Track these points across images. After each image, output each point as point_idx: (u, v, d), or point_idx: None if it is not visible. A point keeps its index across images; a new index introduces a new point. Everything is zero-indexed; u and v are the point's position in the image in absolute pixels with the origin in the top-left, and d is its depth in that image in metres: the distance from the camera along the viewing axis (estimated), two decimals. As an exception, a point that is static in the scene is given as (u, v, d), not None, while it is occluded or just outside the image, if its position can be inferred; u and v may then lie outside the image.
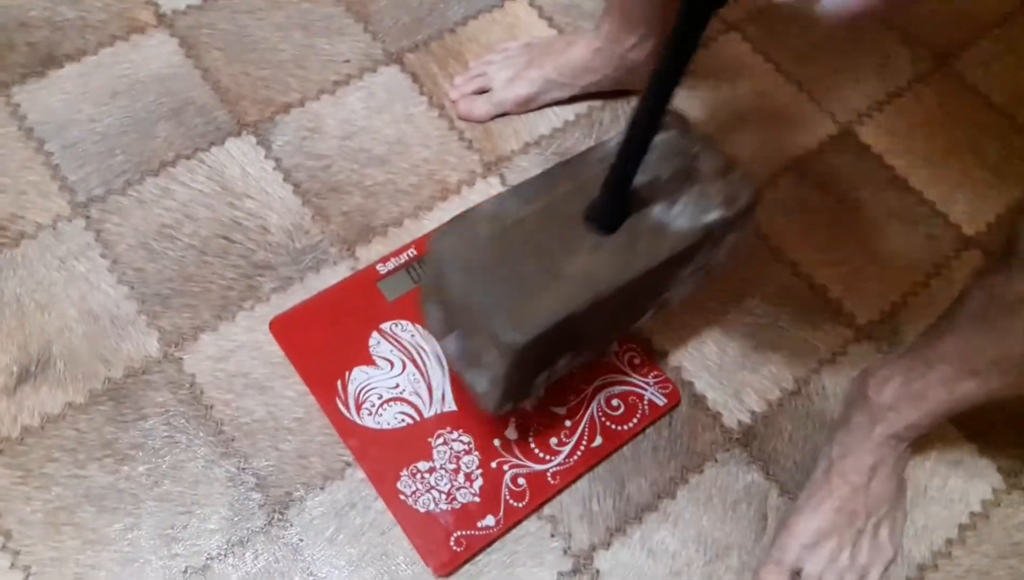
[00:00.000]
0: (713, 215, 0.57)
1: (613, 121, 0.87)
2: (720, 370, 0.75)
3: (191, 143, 0.81)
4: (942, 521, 0.71)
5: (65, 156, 0.79)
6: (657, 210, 0.57)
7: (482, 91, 0.85)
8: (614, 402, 0.70)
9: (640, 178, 0.56)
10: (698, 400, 0.73)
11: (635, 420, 0.70)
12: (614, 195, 0.55)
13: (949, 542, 0.71)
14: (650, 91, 0.48)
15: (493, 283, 0.53)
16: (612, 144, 0.59)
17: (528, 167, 0.84)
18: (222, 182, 0.79)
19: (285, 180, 0.80)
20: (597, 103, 0.88)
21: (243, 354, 0.71)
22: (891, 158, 0.90)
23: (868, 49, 0.97)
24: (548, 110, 0.87)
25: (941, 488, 0.73)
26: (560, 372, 0.61)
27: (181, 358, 0.70)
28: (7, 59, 0.84)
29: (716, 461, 0.71)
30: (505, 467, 0.66)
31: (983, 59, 0.98)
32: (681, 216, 0.57)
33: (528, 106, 0.85)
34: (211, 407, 0.68)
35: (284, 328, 0.71)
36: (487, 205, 0.56)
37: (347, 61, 0.88)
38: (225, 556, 0.63)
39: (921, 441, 0.71)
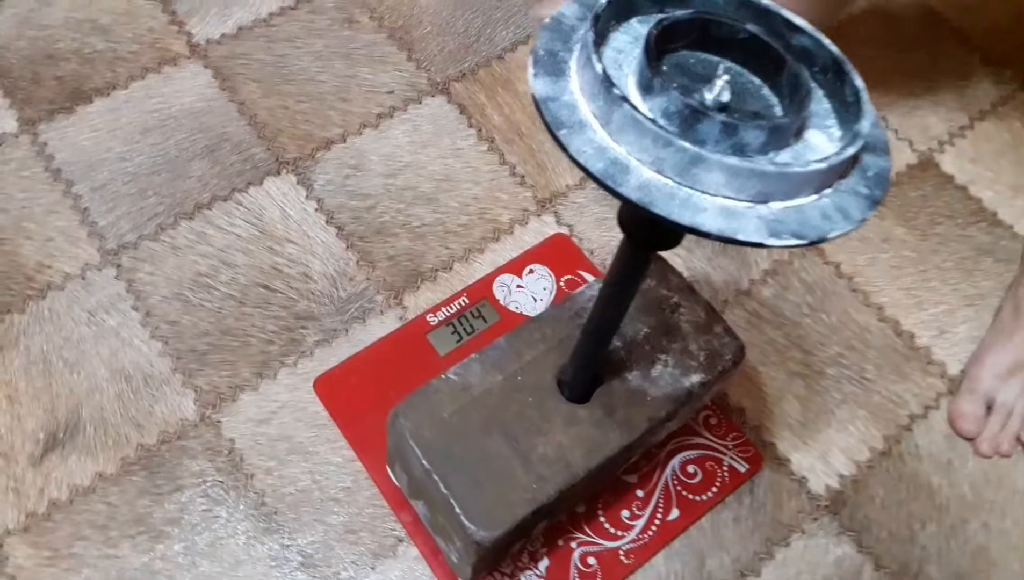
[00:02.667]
0: (695, 378, 0.53)
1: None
2: (803, 428, 0.69)
3: (228, 183, 0.76)
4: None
5: (94, 199, 0.74)
6: (634, 376, 0.53)
7: None
8: (690, 468, 0.64)
9: (615, 339, 0.52)
10: (781, 463, 0.67)
11: (714, 489, 0.64)
12: (583, 371, 0.50)
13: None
14: (607, 291, 0.44)
15: (456, 467, 0.48)
16: (585, 297, 0.55)
17: (585, 203, 0.78)
18: (261, 226, 0.74)
19: (328, 222, 0.74)
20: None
21: (286, 415, 0.65)
22: (976, 189, 0.83)
23: (947, 72, 0.90)
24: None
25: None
26: (536, 536, 0.58)
27: (219, 421, 0.65)
28: (34, 95, 0.79)
29: (803, 532, 0.65)
30: (573, 544, 0.60)
31: (1072, 78, 0.90)
32: (660, 380, 0.53)
33: None
34: (252, 476, 0.63)
35: (329, 387, 0.66)
36: (452, 375, 0.51)
37: (391, 92, 0.82)
38: (269, 645, 0.58)
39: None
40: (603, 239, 0.76)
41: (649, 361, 0.53)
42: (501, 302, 0.70)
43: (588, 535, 0.61)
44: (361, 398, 0.65)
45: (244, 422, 0.65)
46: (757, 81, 0.33)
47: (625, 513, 0.62)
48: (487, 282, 0.71)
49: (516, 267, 0.72)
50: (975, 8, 0.95)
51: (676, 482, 0.63)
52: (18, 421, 0.63)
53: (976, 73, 0.90)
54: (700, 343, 0.54)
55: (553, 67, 0.31)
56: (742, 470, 0.65)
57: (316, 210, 0.75)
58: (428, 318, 0.69)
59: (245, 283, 0.71)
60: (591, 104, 0.30)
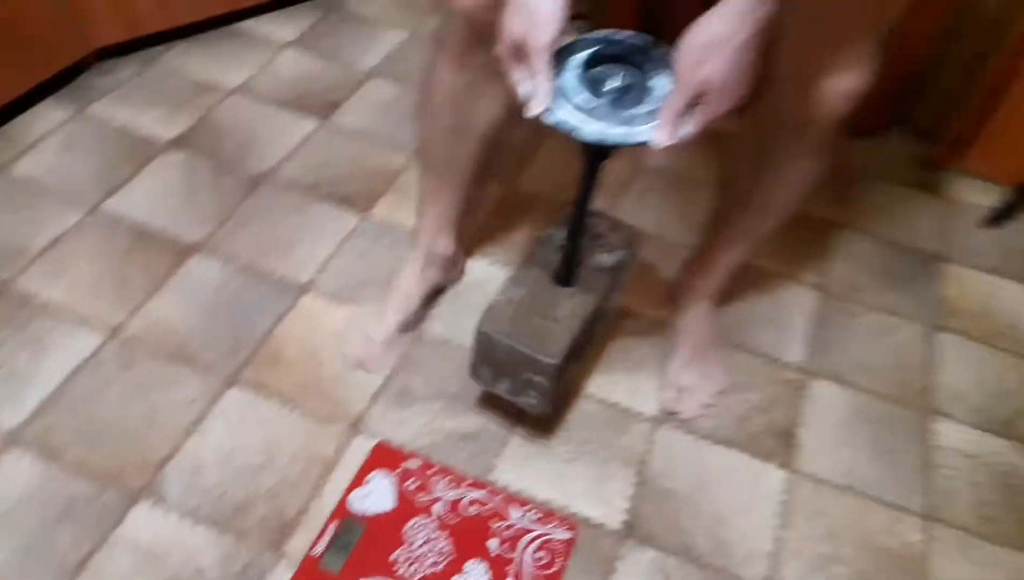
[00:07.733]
0: (620, 254, 0.99)
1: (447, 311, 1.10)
2: (588, 493, 0.99)
3: (96, 532, 0.89)
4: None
5: (-19, 605, 0.83)
6: (594, 262, 0.97)
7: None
8: (538, 555, 0.91)
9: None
10: (587, 519, 0.96)
11: (560, 561, 0.91)
12: (570, 265, 0.93)
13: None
14: (576, 207, 0.86)
15: (524, 337, 0.90)
16: (550, 236, 0.98)
17: (381, 412, 1.03)
18: (142, 552, 0.88)
19: (195, 523, 0.91)
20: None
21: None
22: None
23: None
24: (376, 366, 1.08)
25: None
26: (570, 377, 1.01)
27: None
28: None
29: (620, 557, 0.94)
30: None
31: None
32: (606, 261, 0.98)
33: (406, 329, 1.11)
34: None
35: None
36: (501, 297, 0.93)
37: (193, 401, 1.01)
38: None
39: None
40: (408, 435, 1.01)
41: (596, 253, 0.98)
42: (360, 514, 0.92)
43: None
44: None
45: None
46: (634, 70, 0.76)
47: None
48: (342, 505, 0.93)
49: (357, 483, 0.95)
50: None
51: (535, 566, 0.90)
52: None
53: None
54: (615, 236, 1.01)
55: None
56: (568, 537, 0.93)
57: (180, 518, 0.91)
58: (313, 552, 0.88)
59: (155, 602, 0.84)
60: (578, 114, 0.73)
